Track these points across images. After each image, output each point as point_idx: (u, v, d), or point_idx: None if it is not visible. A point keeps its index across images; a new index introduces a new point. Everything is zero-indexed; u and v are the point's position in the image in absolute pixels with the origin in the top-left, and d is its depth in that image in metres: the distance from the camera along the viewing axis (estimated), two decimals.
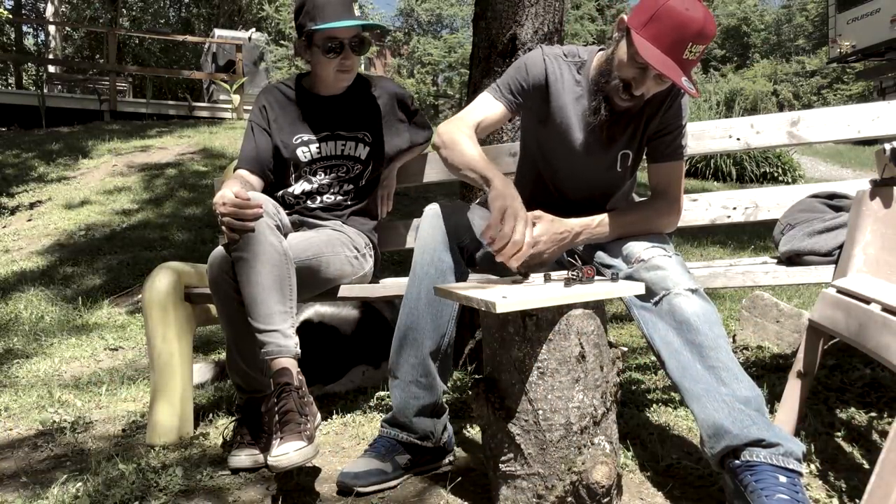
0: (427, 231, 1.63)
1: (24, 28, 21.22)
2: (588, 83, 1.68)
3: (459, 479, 1.60)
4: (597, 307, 1.38)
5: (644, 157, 1.78)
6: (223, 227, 1.67)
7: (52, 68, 14.07)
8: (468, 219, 1.65)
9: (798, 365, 1.57)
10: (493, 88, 1.74)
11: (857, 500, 1.36)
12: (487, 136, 2.43)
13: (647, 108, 1.68)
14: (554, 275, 1.49)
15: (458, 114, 1.73)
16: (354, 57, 2.05)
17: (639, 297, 1.50)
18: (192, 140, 7.99)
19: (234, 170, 2.05)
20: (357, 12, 2.03)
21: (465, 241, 1.65)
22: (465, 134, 1.63)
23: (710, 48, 36.88)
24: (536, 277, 1.51)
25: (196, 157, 7.24)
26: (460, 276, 1.63)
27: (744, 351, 2.53)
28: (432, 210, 1.66)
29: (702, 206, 2.14)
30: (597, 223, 1.64)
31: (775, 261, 2.01)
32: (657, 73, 1.49)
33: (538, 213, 1.56)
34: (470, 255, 1.67)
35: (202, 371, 2.59)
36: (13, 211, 5.99)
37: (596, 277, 1.42)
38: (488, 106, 1.72)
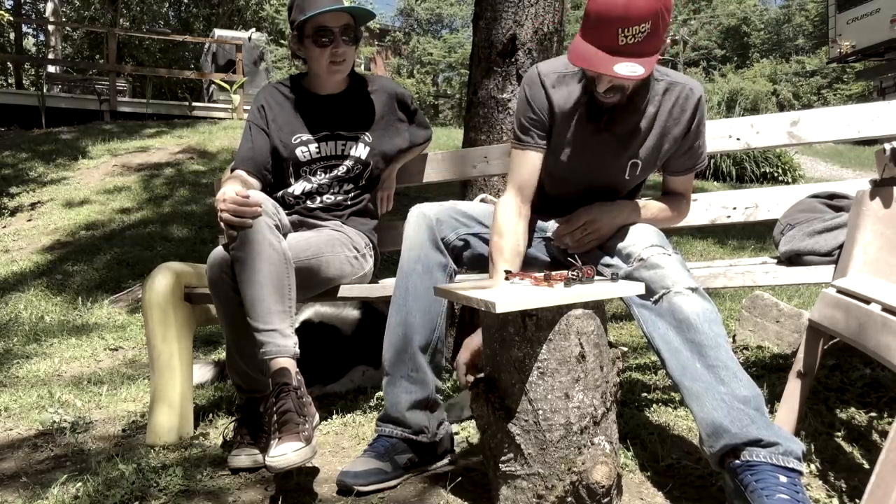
0: (413, 229, 1.69)
1: (24, 28, 21.22)
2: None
3: (459, 479, 1.60)
4: (597, 307, 1.38)
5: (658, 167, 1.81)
6: (222, 225, 1.68)
7: (51, 68, 14.04)
8: (453, 218, 1.71)
9: (798, 365, 1.57)
10: (515, 141, 1.73)
11: (857, 500, 1.36)
12: (486, 137, 2.44)
13: (659, 118, 1.67)
14: (554, 274, 1.49)
15: (507, 181, 1.75)
16: (345, 48, 2.05)
17: (639, 295, 1.50)
18: (191, 140, 7.98)
19: (231, 170, 2.05)
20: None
21: (451, 238, 1.69)
22: (500, 221, 1.65)
23: (710, 48, 36.92)
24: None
25: (195, 157, 7.24)
26: (447, 273, 1.68)
27: (744, 351, 2.53)
28: (417, 210, 1.71)
29: (702, 206, 2.14)
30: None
31: (775, 261, 2.01)
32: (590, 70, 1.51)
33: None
34: (457, 255, 1.71)
35: (202, 371, 2.59)
36: (13, 211, 5.99)
37: (596, 277, 1.42)
38: (520, 161, 1.72)
